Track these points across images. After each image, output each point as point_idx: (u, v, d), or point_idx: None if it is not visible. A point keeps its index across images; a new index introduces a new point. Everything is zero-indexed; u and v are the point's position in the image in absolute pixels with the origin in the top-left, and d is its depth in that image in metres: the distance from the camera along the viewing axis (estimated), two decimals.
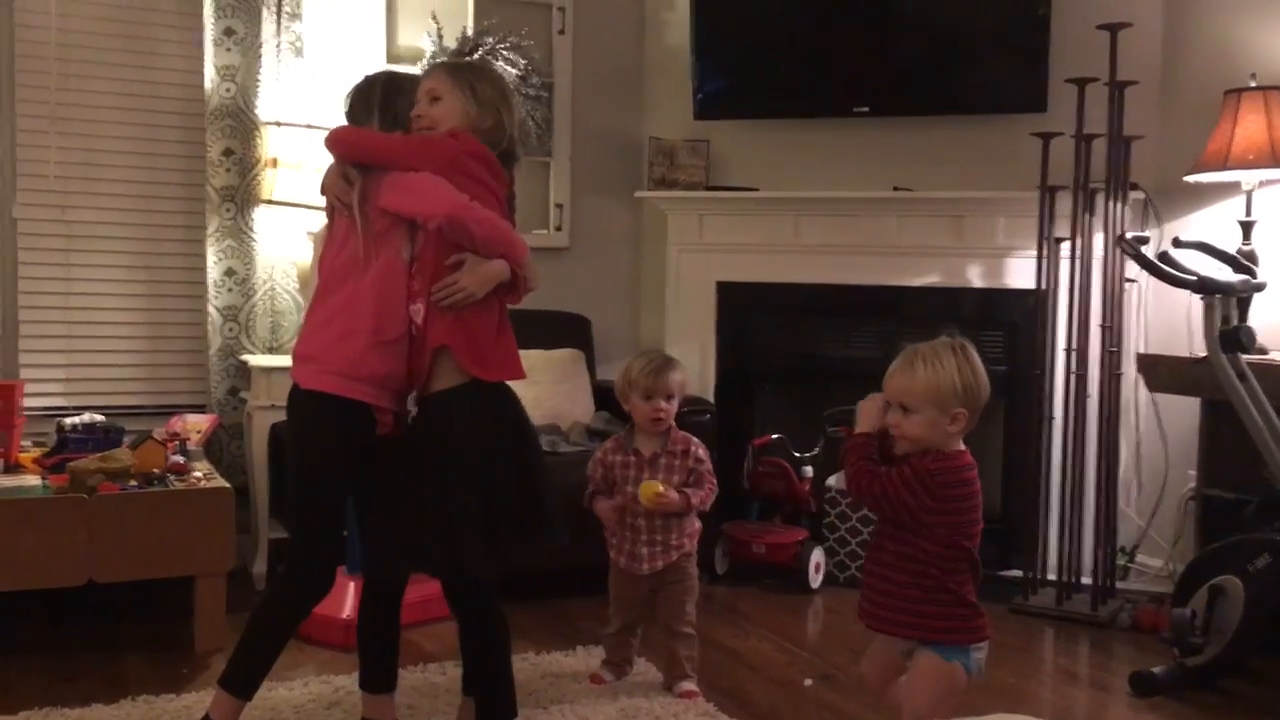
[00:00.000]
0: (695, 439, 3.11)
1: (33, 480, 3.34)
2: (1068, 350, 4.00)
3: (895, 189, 4.40)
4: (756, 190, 4.61)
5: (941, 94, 4.37)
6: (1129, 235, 3.59)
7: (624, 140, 4.87)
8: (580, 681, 3.11)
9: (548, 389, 4.14)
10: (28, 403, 3.72)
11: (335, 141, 2.47)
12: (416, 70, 4.25)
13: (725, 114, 4.65)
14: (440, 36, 4.39)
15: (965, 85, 4.36)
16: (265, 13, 4.08)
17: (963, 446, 2.28)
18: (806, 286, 4.58)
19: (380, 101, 2.50)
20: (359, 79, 2.60)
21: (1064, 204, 4.01)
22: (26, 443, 3.66)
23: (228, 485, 3.39)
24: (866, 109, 4.42)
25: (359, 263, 2.38)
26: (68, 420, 3.68)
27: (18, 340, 3.98)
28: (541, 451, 2.60)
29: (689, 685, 3.03)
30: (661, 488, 2.97)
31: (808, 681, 3.20)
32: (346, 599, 3.34)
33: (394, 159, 2.40)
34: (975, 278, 4.39)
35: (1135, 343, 4.16)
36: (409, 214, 2.39)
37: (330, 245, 2.48)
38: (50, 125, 3.98)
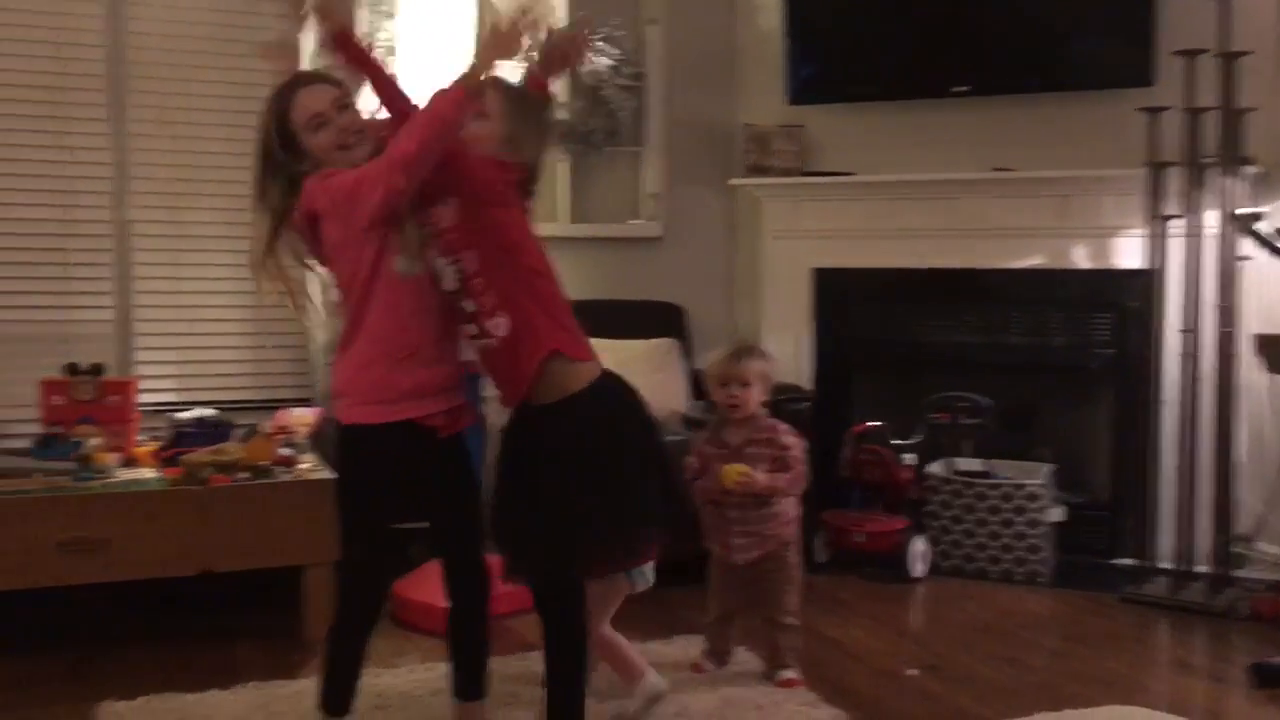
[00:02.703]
0: (784, 425, 3.07)
1: (148, 473, 3.46)
2: (1182, 331, 3.87)
3: (996, 169, 4.31)
4: (853, 175, 4.54)
5: (1043, 70, 4.26)
6: (1243, 211, 3.47)
7: (717, 128, 4.83)
8: (682, 670, 3.11)
9: (642, 379, 4.05)
10: (142, 399, 3.85)
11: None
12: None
13: (819, 98, 4.59)
14: None
15: (1067, 61, 4.24)
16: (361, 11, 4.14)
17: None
18: (905, 271, 4.51)
19: (284, 176, 2.44)
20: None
21: (1173, 181, 3.89)
22: (142, 437, 3.79)
23: (334, 477, 3.45)
24: (965, 88, 4.33)
25: (363, 302, 2.35)
26: (180, 415, 3.80)
27: (132, 339, 4.12)
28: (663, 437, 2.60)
29: (790, 674, 3.01)
30: (744, 468, 2.95)
31: (911, 671, 3.16)
32: None
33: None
34: (1081, 259, 4.27)
35: (1251, 322, 4.01)
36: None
37: (341, 293, 2.46)
38: (159, 129, 4.10)
